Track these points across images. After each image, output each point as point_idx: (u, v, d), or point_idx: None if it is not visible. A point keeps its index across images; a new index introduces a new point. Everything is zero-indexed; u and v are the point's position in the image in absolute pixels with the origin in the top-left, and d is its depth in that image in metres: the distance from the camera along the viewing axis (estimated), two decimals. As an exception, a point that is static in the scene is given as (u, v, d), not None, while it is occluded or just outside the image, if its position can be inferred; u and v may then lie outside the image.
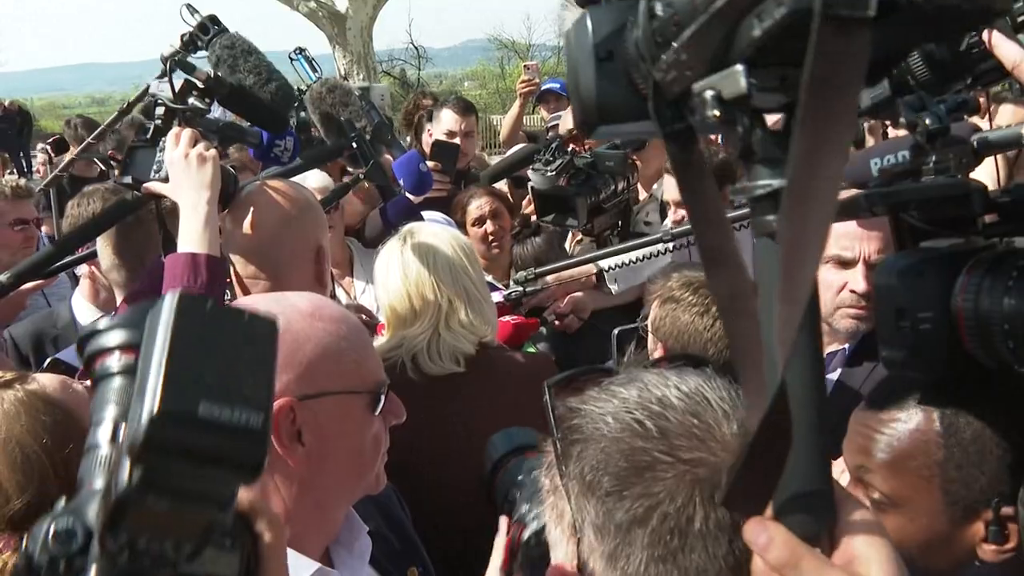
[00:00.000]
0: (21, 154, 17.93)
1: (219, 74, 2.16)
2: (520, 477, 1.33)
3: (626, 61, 0.77)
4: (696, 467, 0.81)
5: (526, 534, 1.18)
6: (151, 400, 0.66)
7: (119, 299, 2.68)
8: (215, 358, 0.70)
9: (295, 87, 2.77)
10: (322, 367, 1.32)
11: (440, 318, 2.30)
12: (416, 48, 32.07)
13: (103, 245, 2.64)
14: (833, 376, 2.32)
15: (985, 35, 1.37)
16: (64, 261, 2.93)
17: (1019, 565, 1.27)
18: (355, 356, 1.37)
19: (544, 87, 6.86)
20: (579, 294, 3.27)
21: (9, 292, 2.26)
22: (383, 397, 1.39)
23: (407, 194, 2.91)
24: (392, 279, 2.36)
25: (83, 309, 3.17)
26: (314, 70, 3.14)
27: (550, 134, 5.33)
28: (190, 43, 2.26)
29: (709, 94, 0.65)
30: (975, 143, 1.30)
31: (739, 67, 0.62)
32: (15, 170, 8.91)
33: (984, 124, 1.51)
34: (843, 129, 0.57)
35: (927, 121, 1.23)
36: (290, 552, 1.32)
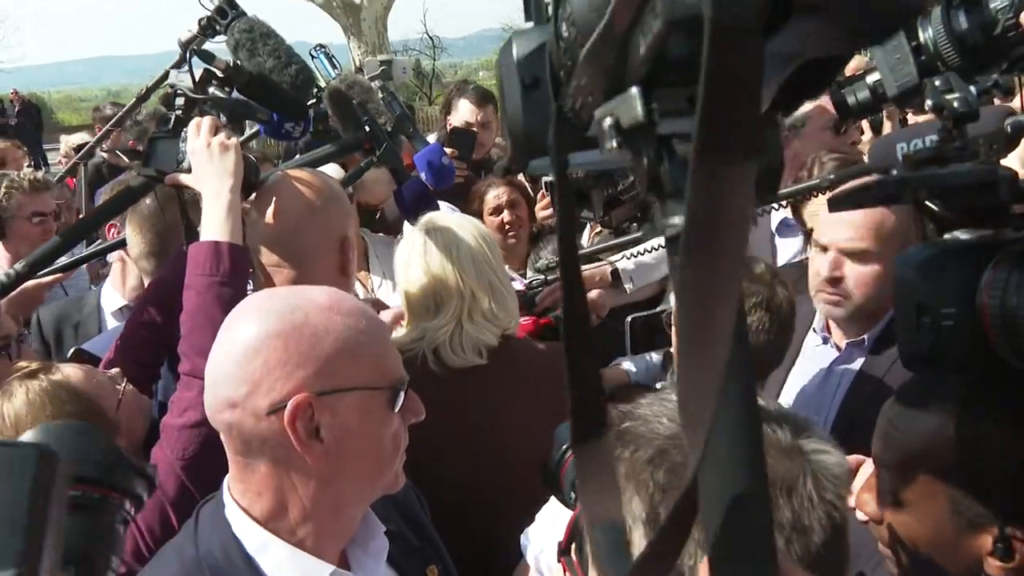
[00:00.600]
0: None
1: (238, 62, 2.15)
2: None
3: (548, 88, 0.71)
4: None
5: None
6: None
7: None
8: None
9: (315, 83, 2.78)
10: (341, 362, 1.30)
11: (463, 310, 2.28)
12: (431, 38, 32.06)
13: (132, 233, 2.65)
14: (855, 366, 2.31)
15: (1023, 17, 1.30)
16: (88, 252, 2.96)
17: None
18: (375, 351, 1.35)
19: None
20: (595, 292, 3.25)
21: (23, 282, 2.27)
22: (403, 394, 1.37)
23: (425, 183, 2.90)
24: (414, 270, 2.34)
25: (111, 296, 3.18)
26: (334, 67, 3.14)
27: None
28: (208, 27, 2.25)
29: (607, 122, 0.58)
30: (1008, 127, 1.22)
31: (633, 90, 0.56)
32: (32, 164, 8.97)
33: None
34: (745, 148, 0.50)
35: (955, 104, 1.16)
36: (306, 556, 1.32)
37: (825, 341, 2.38)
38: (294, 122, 2.32)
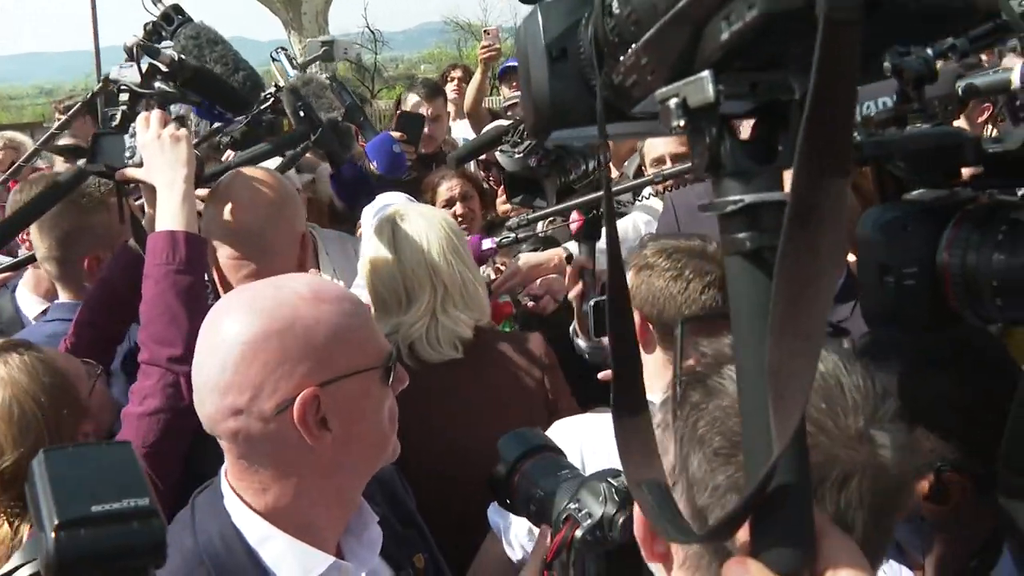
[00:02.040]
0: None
1: (182, 57, 2.12)
2: (542, 480, 1.34)
3: (580, 60, 0.72)
4: (810, 452, 0.78)
5: (579, 532, 1.20)
6: (48, 520, 0.75)
7: (60, 291, 2.60)
8: (88, 476, 0.79)
9: (274, 83, 2.77)
10: (336, 349, 1.31)
11: (436, 303, 2.27)
12: (372, 32, 31.79)
13: (34, 236, 2.57)
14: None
15: None
16: (27, 256, 2.88)
17: (960, 522, 1.35)
18: (364, 332, 1.37)
19: (505, 65, 6.83)
20: (553, 276, 3.26)
21: None
22: (393, 367, 1.39)
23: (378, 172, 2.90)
24: (383, 262, 2.31)
25: (27, 300, 3.08)
26: (293, 67, 3.15)
27: (509, 112, 5.32)
28: (154, 33, 2.24)
29: (673, 102, 0.60)
30: (960, 89, 1.24)
31: (706, 73, 0.58)
32: None
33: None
34: (848, 129, 0.54)
35: (914, 65, 1.15)
36: (306, 548, 1.32)
37: None
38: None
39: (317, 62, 3.60)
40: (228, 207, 2.00)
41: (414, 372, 2.15)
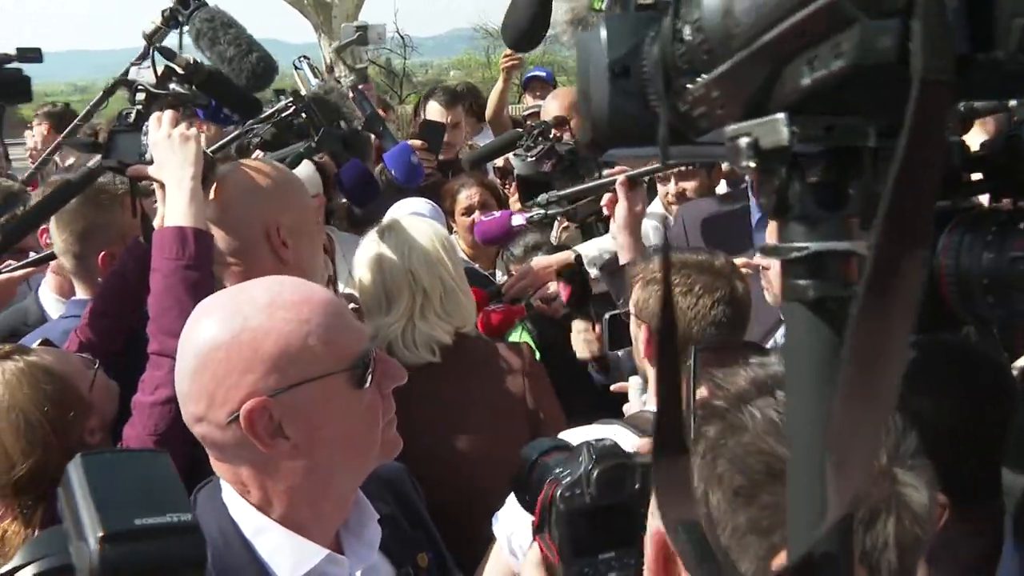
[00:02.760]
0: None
1: (198, 60, 2.19)
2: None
3: (643, 79, 0.70)
4: None
5: (559, 490, 1.19)
6: (92, 531, 0.74)
7: (76, 287, 2.66)
8: (130, 486, 0.79)
9: (291, 91, 2.81)
10: (287, 358, 1.29)
11: (415, 308, 2.33)
12: (402, 37, 31.89)
13: (53, 230, 2.63)
14: None
15: None
16: (47, 253, 2.93)
17: (945, 545, 1.28)
18: (324, 337, 1.32)
19: (530, 74, 6.84)
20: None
21: None
22: (369, 368, 1.36)
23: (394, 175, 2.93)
24: (367, 270, 2.40)
25: (51, 302, 3.14)
26: (315, 76, 3.20)
27: (529, 122, 5.34)
28: (171, 18, 2.28)
29: (744, 141, 0.58)
30: (961, 108, 1.23)
31: (781, 115, 0.56)
32: None
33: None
34: (933, 196, 0.51)
35: None
36: (301, 540, 1.33)
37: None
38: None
39: (351, 47, 3.64)
40: (208, 203, 2.04)
41: None
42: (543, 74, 6.75)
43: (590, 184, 3.07)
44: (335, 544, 1.42)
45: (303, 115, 2.54)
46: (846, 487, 0.54)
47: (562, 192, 3.07)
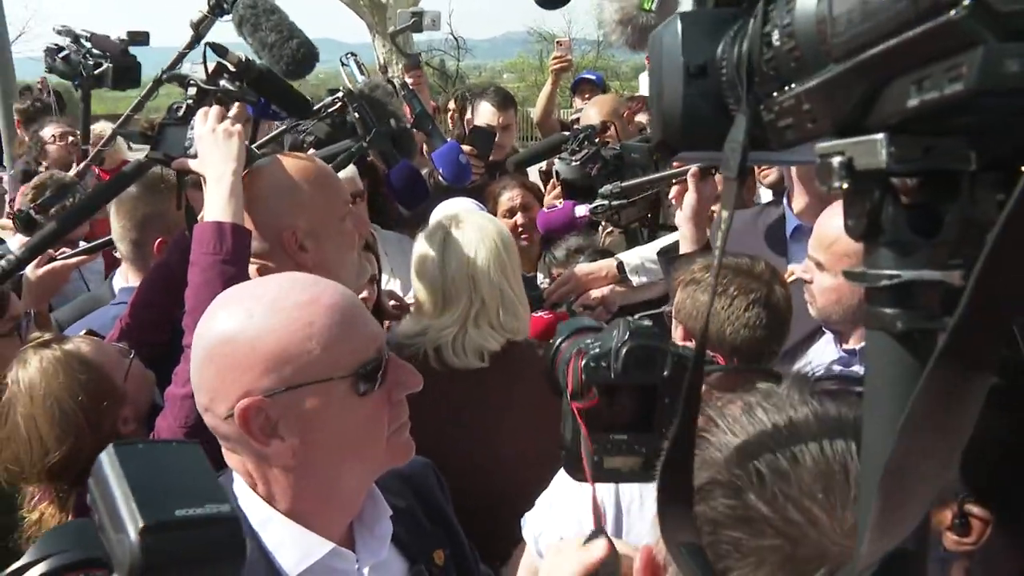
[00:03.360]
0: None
1: (249, 58, 2.21)
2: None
3: (721, 82, 0.67)
4: (797, 545, 0.72)
5: (584, 360, 1.16)
6: (132, 523, 0.73)
7: (129, 273, 2.75)
8: (165, 477, 0.79)
9: (341, 88, 2.84)
10: (285, 359, 1.28)
11: (470, 314, 2.29)
12: (456, 39, 32.05)
13: (113, 217, 2.73)
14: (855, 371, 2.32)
15: None
16: (106, 239, 3.01)
17: (984, 559, 1.29)
18: (325, 341, 1.29)
19: (580, 76, 6.82)
20: (607, 290, 3.26)
21: (23, 267, 2.33)
22: (376, 375, 1.33)
23: (442, 176, 2.93)
24: (430, 265, 2.35)
25: (123, 288, 3.23)
26: (362, 73, 3.22)
27: (576, 125, 5.34)
28: (216, 6, 2.33)
29: (837, 160, 0.54)
30: None
31: (880, 136, 0.52)
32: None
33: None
34: (992, 361, 0.50)
35: None
36: (306, 533, 1.33)
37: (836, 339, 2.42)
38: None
39: (407, 32, 3.64)
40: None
41: (438, 373, 2.24)
42: (593, 77, 6.73)
43: (656, 176, 3.04)
44: (347, 538, 1.42)
45: (354, 113, 2.56)
46: (898, 524, 0.52)
47: (625, 184, 3.06)
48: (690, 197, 2.74)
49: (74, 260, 3.15)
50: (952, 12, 0.45)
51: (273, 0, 2.32)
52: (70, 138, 5.27)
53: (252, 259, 1.99)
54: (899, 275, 0.54)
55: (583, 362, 1.15)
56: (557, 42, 5.85)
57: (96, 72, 2.88)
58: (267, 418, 1.28)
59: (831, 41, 0.54)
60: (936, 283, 0.54)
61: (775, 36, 0.60)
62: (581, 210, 3.14)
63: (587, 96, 6.28)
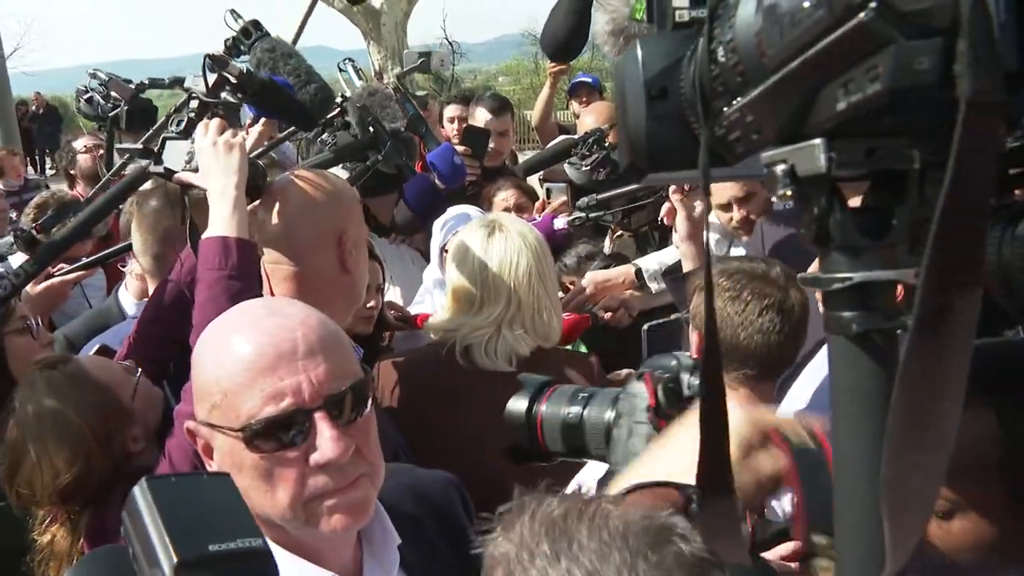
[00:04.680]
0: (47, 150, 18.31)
1: (250, 70, 2.18)
2: (565, 407, 1.38)
3: (680, 101, 0.68)
4: None
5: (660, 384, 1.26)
6: (166, 558, 0.74)
7: (150, 287, 2.71)
8: (199, 511, 0.80)
9: (340, 93, 2.82)
10: (201, 395, 1.28)
11: (505, 318, 2.29)
12: (450, 43, 32.13)
13: (135, 230, 2.71)
14: None
15: None
16: (109, 251, 3.00)
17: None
18: (226, 388, 1.24)
19: (576, 80, 6.81)
20: (626, 294, 3.25)
21: (31, 280, 2.32)
22: (276, 434, 1.22)
23: (438, 181, 2.93)
24: (469, 264, 2.35)
25: (130, 304, 3.23)
26: (360, 78, 3.22)
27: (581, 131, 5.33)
28: (233, 47, 2.35)
29: (781, 168, 0.57)
30: None
31: (818, 141, 0.55)
32: (39, 168, 9.25)
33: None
34: (983, 231, 0.50)
35: None
36: (298, 561, 1.29)
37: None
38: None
39: (414, 72, 3.66)
40: (270, 211, 2.03)
41: (464, 371, 2.26)
42: (589, 80, 6.72)
43: (628, 188, 3.04)
44: (356, 567, 1.37)
45: (364, 124, 2.54)
46: (906, 538, 0.52)
47: (600, 196, 3.06)
48: (680, 216, 2.73)
49: (72, 276, 3.14)
50: (862, 14, 0.47)
51: (290, 44, 2.32)
52: (100, 150, 5.37)
53: (292, 270, 1.97)
54: (851, 277, 0.56)
55: (659, 388, 1.27)
56: None
57: (112, 114, 2.93)
58: (205, 443, 1.31)
59: (767, 52, 0.55)
60: (889, 283, 0.56)
61: (720, 52, 0.61)
62: (560, 222, 3.14)
63: (584, 100, 6.28)
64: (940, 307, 0.48)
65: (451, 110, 5.30)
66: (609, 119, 3.91)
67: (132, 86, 2.84)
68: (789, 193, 0.56)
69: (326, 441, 1.22)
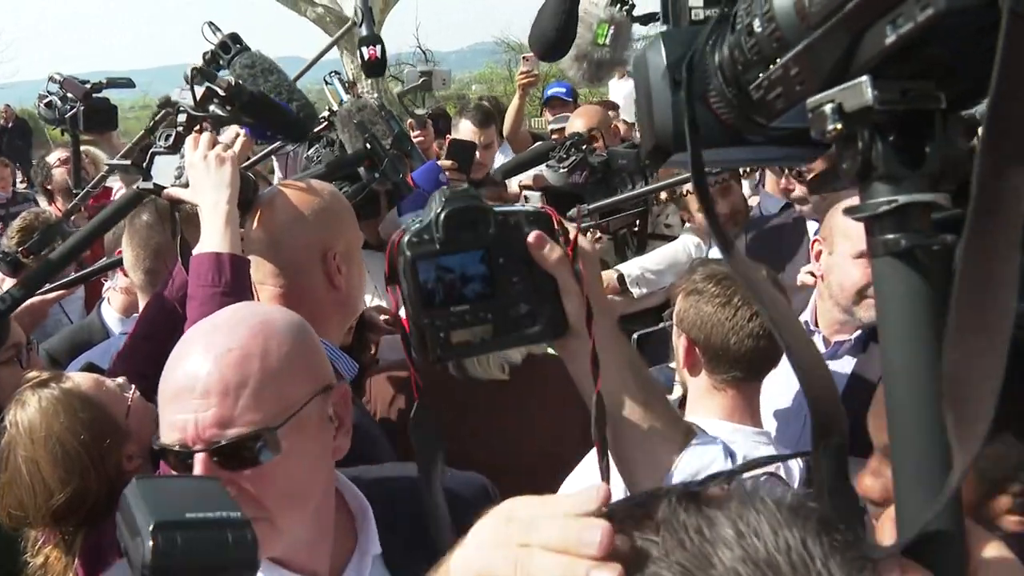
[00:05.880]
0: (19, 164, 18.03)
1: (240, 82, 2.16)
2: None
3: (703, 85, 0.76)
4: None
5: (406, 236, 1.10)
6: (145, 524, 0.76)
7: (140, 303, 2.70)
8: (183, 495, 0.84)
9: (327, 107, 2.82)
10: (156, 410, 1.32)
11: None
12: (423, 52, 32.08)
13: (126, 246, 2.69)
14: (844, 365, 2.34)
15: None
16: (91, 269, 2.97)
17: None
18: (162, 406, 1.28)
19: (549, 91, 6.87)
20: (610, 297, 3.26)
21: (19, 305, 2.30)
22: (168, 457, 1.25)
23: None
24: None
25: (113, 320, 3.23)
26: (346, 91, 3.21)
27: (554, 137, 5.36)
28: (212, 61, 2.29)
29: (829, 107, 0.61)
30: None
31: (865, 78, 0.59)
32: (25, 180, 9.09)
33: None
34: None
35: None
36: (276, 569, 1.32)
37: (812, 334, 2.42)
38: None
39: (414, 91, 3.65)
40: (249, 226, 2.00)
41: (456, 381, 2.26)
42: (562, 90, 6.76)
43: (620, 196, 3.06)
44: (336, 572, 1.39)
45: (363, 142, 2.54)
46: (973, 426, 0.53)
47: (591, 206, 3.08)
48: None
49: (52, 296, 3.10)
50: None
51: (271, 59, 2.28)
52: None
53: (278, 286, 1.95)
54: (896, 199, 0.61)
55: (405, 239, 1.10)
56: (524, 57, 5.84)
57: (69, 115, 2.90)
58: None
59: (809, 11, 0.61)
60: (928, 204, 0.61)
61: (756, 24, 0.68)
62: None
63: (556, 111, 6.33)
64: (994, 190, 0.52)
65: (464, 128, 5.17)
66: (599, 122, 3.93)
67: (87, 85, 2.80)
68: (838, 127, 0.61)
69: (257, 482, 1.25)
